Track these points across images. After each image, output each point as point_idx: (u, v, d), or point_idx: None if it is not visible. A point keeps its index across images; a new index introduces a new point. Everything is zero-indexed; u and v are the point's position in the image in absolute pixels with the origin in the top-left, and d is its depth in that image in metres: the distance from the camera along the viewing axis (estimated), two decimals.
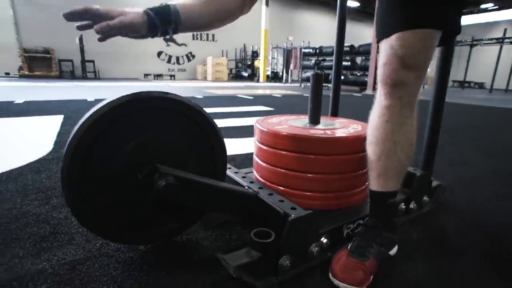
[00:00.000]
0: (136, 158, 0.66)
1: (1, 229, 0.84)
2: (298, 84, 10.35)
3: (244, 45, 13.54)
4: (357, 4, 15.04)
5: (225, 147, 0.80)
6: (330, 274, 0.69)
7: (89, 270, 0.68)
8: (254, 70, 12.76)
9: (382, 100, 0.69)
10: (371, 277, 0.68)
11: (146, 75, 11.89)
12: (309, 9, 15.78)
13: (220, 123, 2.53)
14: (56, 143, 1.78)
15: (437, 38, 0.66)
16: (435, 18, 0.63)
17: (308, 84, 6.50)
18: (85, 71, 10.10)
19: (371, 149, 0.74)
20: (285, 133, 0.85)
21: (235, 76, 13.53)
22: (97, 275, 0.66)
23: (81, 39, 9.83)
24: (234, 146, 1.86)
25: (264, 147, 0.92)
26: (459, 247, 0.84)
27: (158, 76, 11.43)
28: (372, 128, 0.73)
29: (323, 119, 1.05)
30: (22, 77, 9.57)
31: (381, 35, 0.68)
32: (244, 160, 1.59)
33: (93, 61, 10.58)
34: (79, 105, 3.41)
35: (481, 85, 15.71)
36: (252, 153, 1.04)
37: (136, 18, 0.59)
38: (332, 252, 0.74)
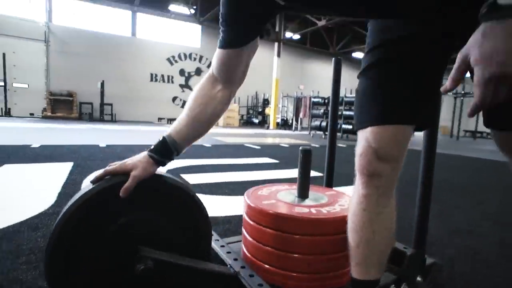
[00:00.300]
0: (118, 240, 0.69)
1: None
2: (307, 132, 10.52)
3: (256, 92, 14.15)
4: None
5: (209, 222, 0.82)
6: None
7: None
8: (265, 117, 13.14)
9: (360, 189, 0.71)
10: None
11: (160, 118, 12.38)
12: (318, 59, 16.61)
13: (221, 177, 2.57)
14: (60, 195, 1.83)
15: (410, 132, 0.69)
16: (406, 115, 0.68)
17: (318, 132, 6.64)
18: (102, 113, 10.63)
19: (350, 236, 0.74)
20: (270, 212, 0.87)
21: (246, 122, 13.92)
22: None
23: (102, 83, 10.50)
24: (231, 206, 1.86)
25: (251, 222, 0.93)
26: None
27: (171, 120, 11.86)
28: (351, 214, 0.74)
29: (313, 192, 1.06)
30: (44, 117, 10.12)
31: (357, 126, 0.73)
32: (240, 222, 1.59)
33: (111, 104, 11.18)
34: (91, 151, 3.54)
35: None
36: None
37: (146, 166, 0.71)
38: None
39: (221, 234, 1.32)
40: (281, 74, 12.55)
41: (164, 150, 0.74)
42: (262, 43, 0.86)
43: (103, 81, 10.61)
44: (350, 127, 8.13)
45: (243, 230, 1.00)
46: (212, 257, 0.89)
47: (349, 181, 2.60)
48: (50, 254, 0.62)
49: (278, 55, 12.08)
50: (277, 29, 11.86)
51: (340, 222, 0.84)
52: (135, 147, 4.17)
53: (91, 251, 0.66)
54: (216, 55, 0.77)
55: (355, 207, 0.72)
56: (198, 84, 0.80)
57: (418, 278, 1.02)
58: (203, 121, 0.77)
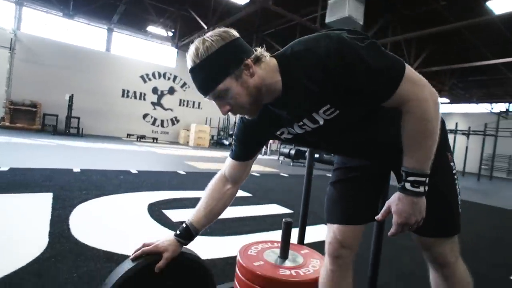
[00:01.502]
0: None
1: None
2: (276, 157, 10.94)
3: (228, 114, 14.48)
4: None
5: (215, 282, 1.05)
6: None
7: None
8: None
9: (328, 264, 1.00)
10: None
11: (129, 135, 12.17)
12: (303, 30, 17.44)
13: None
14: (50, 235, 1.93)
15: (363, 227, 1.00)
16: (360, 219, 0.98)
17: (286, 159, 7.06)
18: (68, 126, 10.25)
19: None
20: (259, 273, 1.12)
21: (216, 143, 14.09)
22: None
23: (71, 96, 10.19)
24: (212, 247, 2.07)
25: (243, 279, 1.18)
26: None
27: (141, 138, 11.72)
28: (321, 280, 1.02)
29: (291, 251, 1.33)
30: (1, 127, 9.54)
31: (327, 220, 1.03)
32: (224, 265, 1.81)
33: (78, 118, 10.83)
34: (65, 178, 3.54)
35: None
36: (230, 257, 1.29)
37: (175, 249, 0.94)
38: None
39: None
40: None
41: (188, 235, 0.97)
42: None
43: (72, 94, 10.30)
44: (317, 155, 8.67)
45: (236, 283, 1.24)
46: None
47: (316, 220, 2.85)
48: None
49: None
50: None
51: (313, 283, 1.11)
52: (110, 173, 4.21)
53: None
54: (227, 162, 1.04)
55: (325, 278, 1.01)
56: (213, 181, 1.06)
57: None
58: (216, 212, 1.02)
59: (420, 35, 7.53)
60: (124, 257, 1.70)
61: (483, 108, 16.11)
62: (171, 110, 13.67)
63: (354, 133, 0.86)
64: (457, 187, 0.92)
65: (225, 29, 0.77)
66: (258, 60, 0.77)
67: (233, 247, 2.04)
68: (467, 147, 12.74)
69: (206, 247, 2.04)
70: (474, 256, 2.54)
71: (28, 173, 3.58)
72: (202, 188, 4.25)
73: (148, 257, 0.91)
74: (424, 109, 0.72)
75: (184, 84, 13.73)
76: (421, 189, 0.74)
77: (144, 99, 12.84)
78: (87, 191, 3.09)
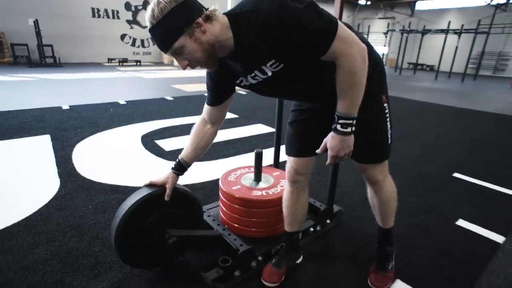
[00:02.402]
0: (153, 225, 1.20)
1: (62, 261, 1.35)
2: None
3: None
4: None
5: (201, 207, 1.35)
6: (262, 278, 1.30)
7: (129, 286, 1.23)
8: None
9: (287, 187, 1.28)
10: (282, 278, 1.30)
11: (110, 59, 11.61)
12: None
13: (184, 142, 3.01)
14: (60, 175, 2.20)
15: (314, 158, 1.23)
16: (311, 152, 1.20)
17: None
18: (43, 56, 9.69)
19: (283, 208, 1.33)
20: (237, 196, 1.42)
21: None
22: None
23: (36, 22, 9.34)
24: (203, 171, 2.39)
25: (225, 200, 1.49)
26: (340, 253, 1.50)
27: (123, 61, 11.23)
28: (284, 197, 1.32)
29: (264, 174, 1.62)
30: None
31: (286, 152, 1.26)
32: (213, 187, 2.15)
33: (51, 45, 10.16)
34: (57, 117, 3.67)
35: (431, 68, 17.24)
36: (217, 179, 1.59)
37: (173, 179, 1.20)
38: (264, 264, 1.36)
39: (201, 200, 1.87)
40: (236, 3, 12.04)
41: (181, 168, 1.23)
42: None
43: (36, 19, 9.39)
44: None
45: (220, 203, 1.56)
46: (203, 224, 1.46)
47: None
48: (120, 234, 1.12)
49: None
50: None
51: (279, 200, 1.43)
52: (99, 106, 4.32)
53: (141, 232, 1.17)
54: (205, 107, 1.21)
55: (286, 196, 1.30)
56: (196, 123, 1.25)
57: (328, 221, 1.71)
58: (201, 147, 1.24)
59: None
60: (127, 188, 2.03)
61: (482, 0, 15.17)
62: None
63: (299, 82, 1.01)
64: (388, 124, 1.13)
65: None
66: (208, 18, 0.86)
67: (220, 170, 2.35)
68: (457, 47, 12.54)
69: (197, 172, 2.35)
70: (426, 157, 2.95)
71: (20, 115, 3.69)
72: (190, 114, 4.49)
73: (156, 189, 1.19)
74: (351, 64, 0.86)
75: None
76: (349, 129, 0.94)
77: (118, 17, 11.77)
78: (81, 129, 3.28)
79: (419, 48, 14.59)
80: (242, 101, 5.19)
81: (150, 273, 1.31)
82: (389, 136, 1.15)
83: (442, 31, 13.07)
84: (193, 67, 0.93)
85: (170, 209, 1.24)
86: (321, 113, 1.17)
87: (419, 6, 18.69)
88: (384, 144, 1.14)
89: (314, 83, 1.02)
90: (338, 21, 0.86)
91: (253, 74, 0.97)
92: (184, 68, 0.93)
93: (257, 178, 1.56)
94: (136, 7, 12.09)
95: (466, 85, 10.61)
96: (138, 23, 12.36)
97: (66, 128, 3.29)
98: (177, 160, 1.24)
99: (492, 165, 2.86)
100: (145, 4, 12.22)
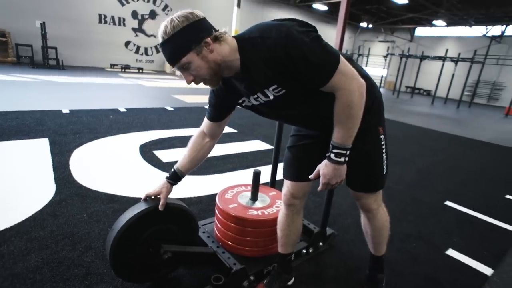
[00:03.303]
0: (149, 239, 1.21)
1: (53, 270, 1.34)
2: None
3: None
4: (325, 8, 15.93)
5: (197, 222, 1.37)
6: None
7: None
8: None
9: (283, 209, 1.31)
10: None
11: (112, 65, 11.71)
12: (280, 9, 16.28)
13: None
14: (56, 180, 2.21)
15: (309, 183, 1.26)
16: (307, 177, 1.24)
17: None
18: (46, 58, 9.76)
19: (278, 230, 1.35)
20: (233, 214, 1.44)
21: None
22: None
23: (43, 24, 9.45)
24: (201, 186, 2.41)
25: (220, 217, 1.50)
26: (331, 276, 1.51)
27: (125, 68, 11.33)
28: (279, 219, 1.34)
29: (261, 193, 1.64)
30: None
31: (284, 176, 1.29)
32: (209, 202, 2.16)
33: (55, 48, 10.24)
34: (57, 121, 3.68)
35: (428, 92, 17.59)
36: (214, 194, 1.62)
37: (167, 189, 1.22)
38: (256, 284, 1.36)
39: (197, 215, 1.88)
40: (240, 25, 12.30)
41: (176, 178, 1.25)
42: None
43: (43, 21, 9.51)
44: None
45: (216, 220, 1.58)
46: (198, 240, 1.47)
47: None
48: (116, 246, 1.12)
49: (238, 6, 11.67)
50: None
51: (274, 220, 1.45)
52: (99, 112, 4.34)
53: (136, 245, 1.18)
54: (204, 121, 1.25)
55: (281, 218, 1.33)
56: (194, 135, 1.28)
57: (320, 244, 1.73)
58: (198, 159, 1.27)
59: None
60: (123, 198, 2.03)
61: (478, 31, 15.67)
62: (154, 36, 12.89)
63: (298, 108, 1.05)
64: (383, 155, 1.17)
65: (192, 10, 0.90)
66: (217, 39, 0.92)
67: (217, 185, 2.38)
68: (453, 74, 12.85)
69: (194, 186, 2.37)
70: (420, 183, 3.00)
71: (20, 116, 3.70)
72: (189, 125, 4.52)
73: (155, 203, 1.20)
74: (349, 98, 0.91)
75: (166, 6, 12.66)
76: (342, 159, 0.98)
77: (124, 24, 11.94)
78: (80, 134, 3.29)
79: (417, 72, 14.96)
80: (241, 116, 5.24)
81: (142, 286, 1.31)
82: (384, 167, 1.19)
83: (440, 58, 13.42)
84: (197, 83, 0.98)
85: (167, 224, 1.26)
86: (319, 139, 1.21)
87: (418, 32, 19.22)
88: (379, 174, 1.18)
89: (312, 110, 1.06)
90: (340, 56, 0.91)
91: (255, 96, 1.01)
92: (188, 83, 0.97)
93: (254, 197, 1.59)
94: (142, 16, 12.30)
95: (461, 112, 10.82)
96: (143, 31, 12.54)
97: (65, 132, 3.30)
98: (172, 169, 1.26)
99: (484, 195, 2.91)
100: (151, 13, 12.46)
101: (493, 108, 14.37)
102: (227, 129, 4.22)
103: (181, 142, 3.41)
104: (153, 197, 1.23)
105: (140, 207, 1.18)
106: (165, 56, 0.91)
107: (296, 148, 1.26)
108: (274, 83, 0.94)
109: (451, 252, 1.85)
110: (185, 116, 4.81)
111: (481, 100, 16.59)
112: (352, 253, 1.74)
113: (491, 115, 11.22)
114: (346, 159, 0.98)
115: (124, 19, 11.92)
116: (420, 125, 6.73)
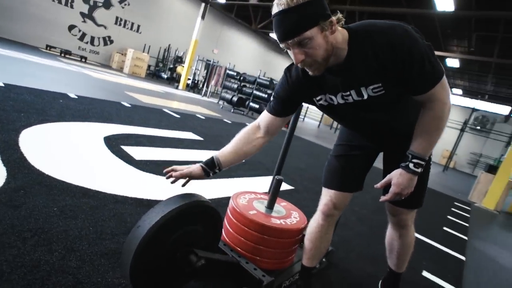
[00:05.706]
0: (178, 243, 1.01)
1: (27, 277, 1.01)
2: (215, 100, 10.82)
3: (169, 45, 13.29)
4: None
5: (222, 225, 1.20)
6: None
7: None
8: (175, 74, 12.61)
9: (319, 219, 1.24)
10: None
11: (49, 47, 10.28)
12: (238, 30, 16.68)
13: (158, 154, 2.73)
14: (5, 162, 1.75)
15: (352, 194, 1.24)
16: (353, 188, 1.22)
17: (226, 104, 7.14)
18: None
19: (307, 241, 1.27)
20: (255, 220, 1.31)
21: (153, 74, 13.05)
22: None
23: None
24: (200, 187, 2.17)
25: (236, 222, 1.35)
26: None
27: (65, 53, 10.03)
28: (310, 229, 1.27)
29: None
30: None
31: (325, 184, 1.24)
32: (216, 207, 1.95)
33: None
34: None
35: None
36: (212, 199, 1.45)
37: (197, 171, 1.06)
38: None
39: None
40: (201, 36, 12.18)
41: (212, 165, 1.09)
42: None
43: None
44: (257, 106, 8.84)
45: (228, 227, 1.41)
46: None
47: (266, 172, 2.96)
48: (142, 248, 0.90)
49: (203, 17, 11.61)
50: None
51: (294, 231, 1.36)
52: (44, 94, 3.69)
53: (164, 249, 0.97)
54: (264, 114, 1.13)
55: (314, 229, 1.25)
56: (246, 128, 1.15)
57: (323, 260, 1.68)
58: (241, 155, 1.13)
59: (374, 11, 7.89)
60: (100, 194, 1.72)
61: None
62: (105, 27, 11.82)
63: (379, 114, 1.02)
64: (428, 175, 1.21)
65: None
66: (338, 22, 0.86)
67: (222, 190, 2.18)
68: None
69: (198, 188, 2.12)
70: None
71: None
72: (151, 125, 4.15)
73: (189, 200, 1.01)
74: (443, 110, 0.92)
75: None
76: (419, 170, 0.97)
77: (72, 6, 10.69)
78: (26, 113, 2.73)
79: None
80: (202, 125, 5.05)
81: None
82: (426, 186, 1.23)
83: None
84: (305, 65, 0.89)
85: (196, 225, 1.07)
86: (367, 153, 1.21)
87: None
88: (422, 193, 1.21)
89: (391, 118, 1.05)
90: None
91: (347, 93, 0.96)
92: (298, 63, 0.87)
93: (270, 206, 1.48)
94: (95, 2, 11.27)
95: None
96: (93, 19, 11.44)
97: (5, 108, 2.70)
98: (211, 157, 1.11)
99: (429, 226, 3.26)
100: (106, 3, 11.51)
101: None
102: (193, 136, 3.99)
103: (150, 141, 3.07)
104: (177, 173, 1.07)
105: (174, 203, 0.99)
106: (283, 27, 0.81)
107: (345, 158, 1.23)
108: (378, 82, 0.91)
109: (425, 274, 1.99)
110: (145, 115, 4.40)
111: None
112: (349, 270, 1.73)
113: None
114: (422, 170, 0.98)
115: (72, 0, 10.74)
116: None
